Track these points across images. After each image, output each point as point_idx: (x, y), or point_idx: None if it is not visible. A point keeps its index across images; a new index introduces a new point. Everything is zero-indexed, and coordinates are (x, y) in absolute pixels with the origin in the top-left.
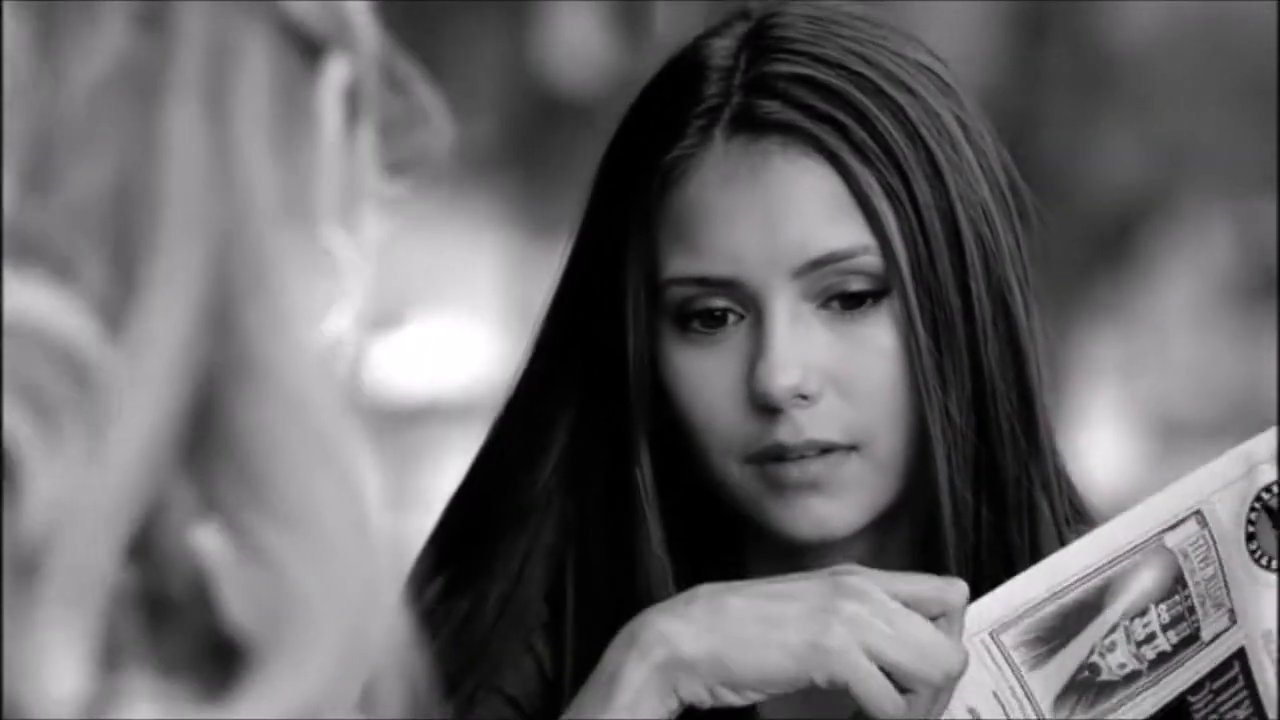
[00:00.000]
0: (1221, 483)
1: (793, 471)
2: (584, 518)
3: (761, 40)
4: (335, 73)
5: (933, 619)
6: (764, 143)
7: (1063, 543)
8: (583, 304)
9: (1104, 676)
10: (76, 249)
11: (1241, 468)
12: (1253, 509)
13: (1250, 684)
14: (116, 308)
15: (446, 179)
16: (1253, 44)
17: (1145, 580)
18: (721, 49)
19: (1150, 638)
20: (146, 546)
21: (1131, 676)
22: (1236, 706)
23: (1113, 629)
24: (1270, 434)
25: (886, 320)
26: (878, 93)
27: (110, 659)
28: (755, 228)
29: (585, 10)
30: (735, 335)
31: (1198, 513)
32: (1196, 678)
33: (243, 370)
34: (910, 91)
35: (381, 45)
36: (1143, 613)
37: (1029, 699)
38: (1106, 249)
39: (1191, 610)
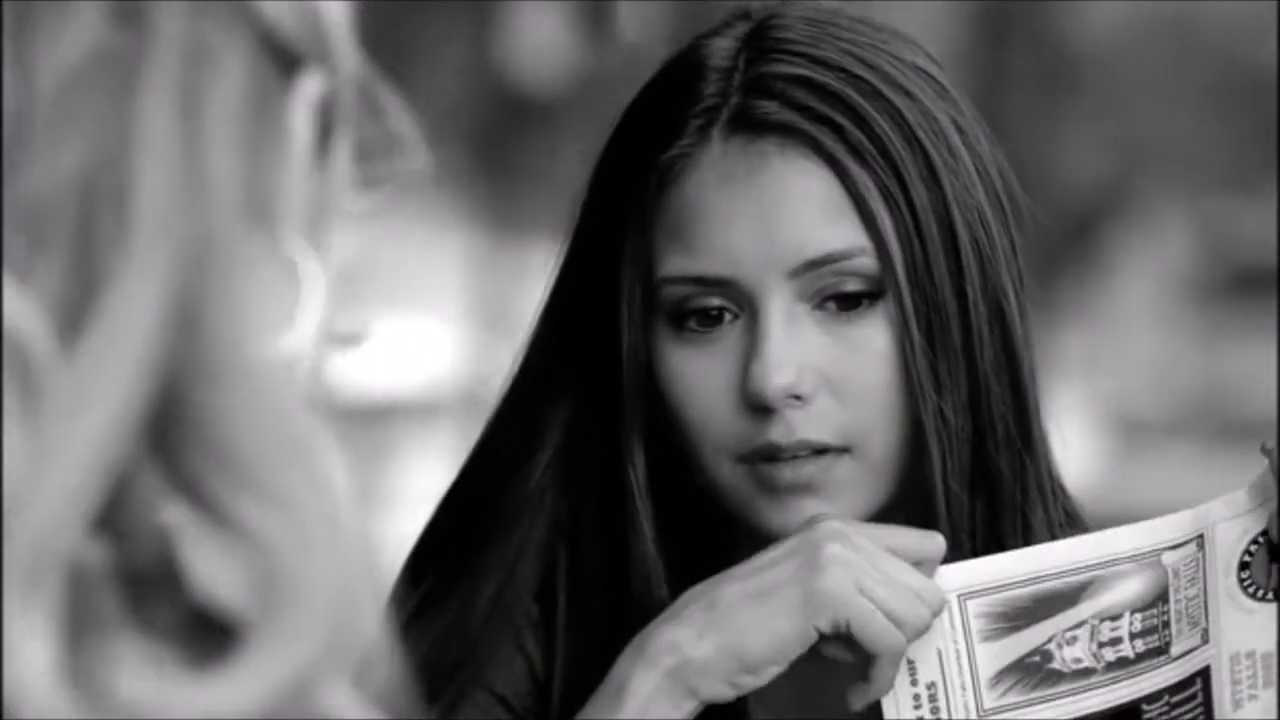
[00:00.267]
0: (1232, 512)
1: (785, 472)
2: (576, 517)
3: (761, 41)
4: (310, 86)
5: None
6: (762, 143)
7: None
8: (578, 302)
9: (1054, 665)
10: (37, 241)
11: (1254, 501)
12: (1255, 541)
13: (1208, 704)
14: (77, 301)
15: (415, 190)
16: (1213, 45)
17: (1129, 588)
18: (721, 49)
19: (1115, 641)
20: (119, 522)
21: (1083, 673)
22: None
23: (1079, 624)
24: None
25: (881, 322)
26: (876, 95)
27: (90, 632)
28: (752, 228)
29: (548, 11)
30: (730, 335)
31: (1200, 537)
32: (1157, 688)
33: (207, 366)
34: (908, 95)
35: (361, 69)
36: (1115, 617)
37: (971, 667)
38: (1068, 248)
39: (1166, 625)
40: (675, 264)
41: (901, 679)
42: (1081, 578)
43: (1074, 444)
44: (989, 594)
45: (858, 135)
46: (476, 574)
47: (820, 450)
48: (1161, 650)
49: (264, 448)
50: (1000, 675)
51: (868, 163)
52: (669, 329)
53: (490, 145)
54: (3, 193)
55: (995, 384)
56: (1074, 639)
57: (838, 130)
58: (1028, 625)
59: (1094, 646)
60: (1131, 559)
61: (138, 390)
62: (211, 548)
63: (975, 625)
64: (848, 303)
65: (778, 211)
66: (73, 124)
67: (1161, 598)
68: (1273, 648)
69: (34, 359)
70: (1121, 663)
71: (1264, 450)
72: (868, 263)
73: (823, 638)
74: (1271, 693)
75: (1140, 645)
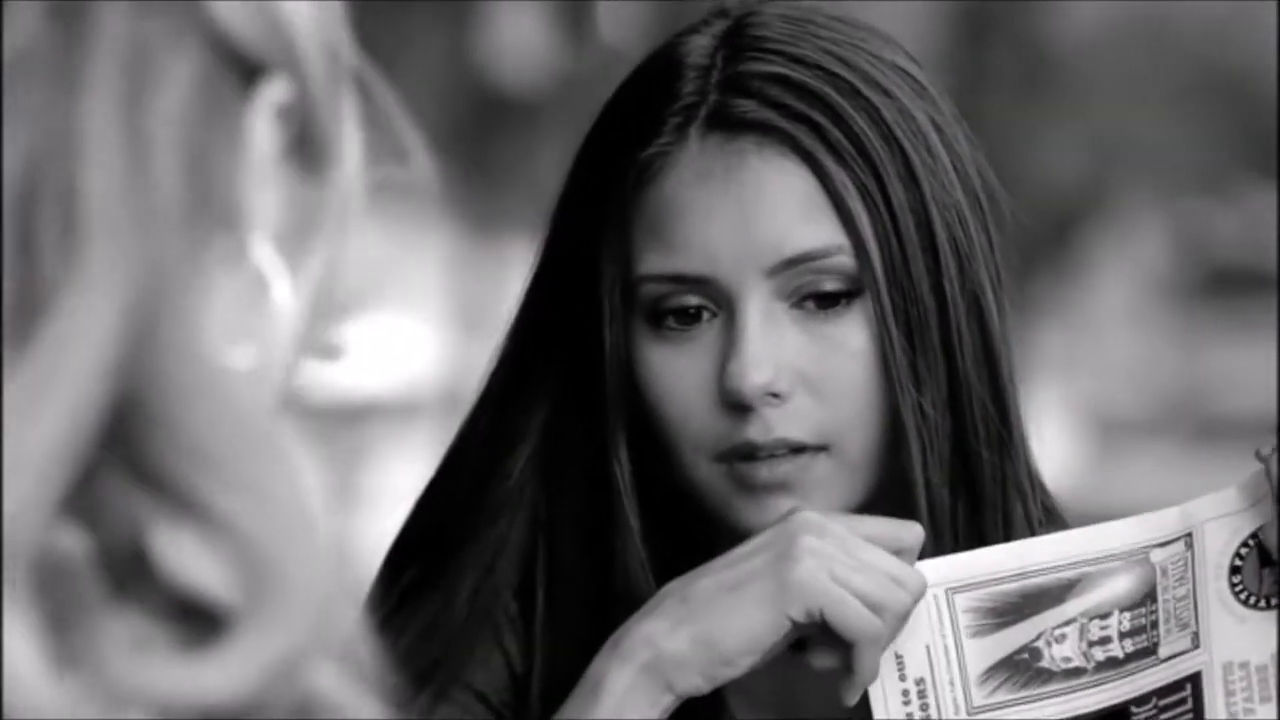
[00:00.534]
0: (1219, 511)
1: (762, 471)
2: (556, 513)
3: (738, 39)
4: (272, 93)
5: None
6: (739, 141)
7: None
8: (556, 300)
9: (1043, 664)
10: None
11: (1244, 502)
12: (1245, 544)
13: (1199, 710)
14: (24, 303)
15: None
16: (1189, 47)
17: (1117, 586)
18: (699, 47)
19: (1105, 640)
20: (92, 512)
21: (1073, 672)
22: None
23: (1068, 621)
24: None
25: (860, 321)
26: (854, 94)
27: (74, 619)
28: (729, 226)
29: (527, 11)
30: (708, 333)
31: (1188, 534)
32: (1144, 691)
33: (165, 369)
34: (886, 93)
35: (363, 73)
36: (1104, 615)
37: (959, 663)
38: (1045, 247)
39: (1154, 625)
40: (653, 262)
41: (890, 674)
42: (1069, 574)
43: (1051, 443)
44: (976, 589)
45: (836, 134)
46: (455, 571)
47: (798, 449)
48: (1150, 650)
49: (230, 444)
50: (989, 672)
51: (846, 161)
52: (647, 327)
53: (467, 145)
54: None
55: (975, 381)
56: (1063, 637)
57: (815, 128)
58: (1016, 622)
59: (1084, 645)
60: (1119, 555)
61: (95, 389)
62: (185, 538)
63: (963, 620)
64: (826, 301)
65: (755, 209)
66: (11, 123)
67: (1150, 596)
68: (1270, 660)
69: None
70: (1111, 662)
71: (1259, 457)
72: (846, 261)
73: (804, 643)
74: (1271, 708)
75: (1129, 645)
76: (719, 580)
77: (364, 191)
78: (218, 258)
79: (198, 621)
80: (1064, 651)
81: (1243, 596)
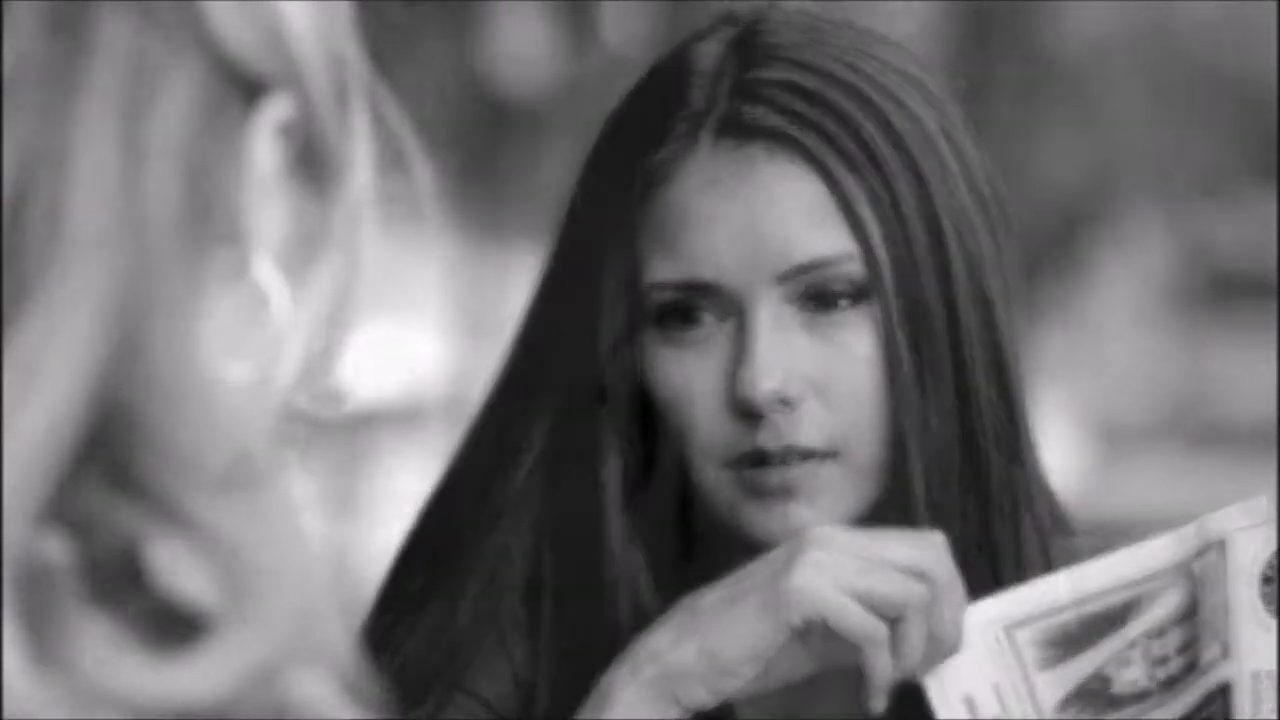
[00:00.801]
0: (1250, 520)
1: (772, 477)
2: (559, 520)
3: (748, 46)
4: (274, 110)
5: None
6: (749, 148)
7: (1045, 549)
8: (563, 306)
9: (1115, 690)
10: None
11: (1274, 511)
12: (1277, 554)
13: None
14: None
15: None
16: (1192, 52)
17: (1169, 602)
18: (707, 53)
19: (1164, 659)
20: (76, 518)
21: (1142, 695)
22: None
23: (1131, 644)
24: None
25: (868, 326)
26: (864, 101)
27: (56, 623)
28: (738, 232)
29: (530, 14)
30: (717, 336)
31: (1221, 542)
32: (1190, 706)
33: (153, 380)
34: (896, 100)
35: (368, 83)
36: (1161, 633)
37: (1031, 698)
38: (1048, 252)
39: (1197, 638)
40: (661, 269)
41: (962, 717)
42: (1125, 596)
43: (1054, 448)
44: (1035, 622)
45: (846, 141)
46: (459, 577)
47: (807, 455)
48: (1195, 665)
49: (218, 456)
50: (1064, 704)
51: (856, 168)
52: (656, 332)
53: (471, 150)
54: None
55: (985, 387)
56: (1128, 660)
57: (825, 135)
58: (1080, 651)
59: (1148, 666)
60: (1166, 572)
61: (75, 396)
62: (173, 545)
63: (1029, 655)
64: (830, 301)
65: (765, 216)
66: (5, 131)
67: (1194, 609)
68: None
69: None
70: (1171, 681)
71: None
72: (855, 268)
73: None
74: None
75: (1182, 660)
76: (724, 594)
77: (374, 203)
78: (216, 272)
79: (178, 626)
80: (1132, 675)
81: (1273, 607)
